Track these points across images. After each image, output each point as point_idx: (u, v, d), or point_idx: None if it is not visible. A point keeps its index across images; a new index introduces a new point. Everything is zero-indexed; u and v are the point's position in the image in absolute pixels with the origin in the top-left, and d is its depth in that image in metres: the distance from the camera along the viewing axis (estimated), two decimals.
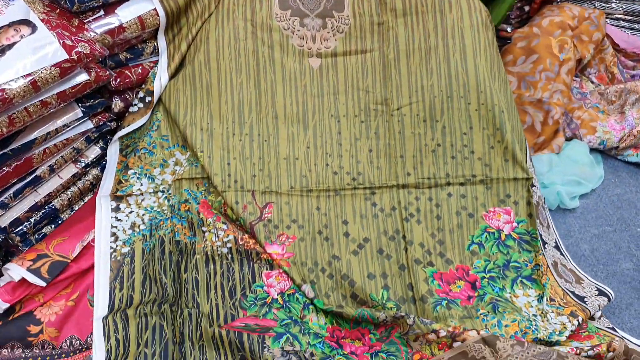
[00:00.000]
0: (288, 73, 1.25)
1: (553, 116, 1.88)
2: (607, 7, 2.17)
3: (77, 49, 1.05)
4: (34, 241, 1.15)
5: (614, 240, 1.46)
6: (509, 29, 2.23)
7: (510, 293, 1.05)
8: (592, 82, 2.15)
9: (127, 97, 1.28)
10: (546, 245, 1.14)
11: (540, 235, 1.13)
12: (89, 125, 1.19)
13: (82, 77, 1.10)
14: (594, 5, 2.20)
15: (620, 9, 2.16)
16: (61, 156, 1.17)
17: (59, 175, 1.19)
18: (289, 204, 1.16)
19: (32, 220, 1.14)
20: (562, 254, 1.24)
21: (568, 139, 1.91)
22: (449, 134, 1.20)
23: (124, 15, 1.18)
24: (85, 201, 1.24)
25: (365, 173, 1.20)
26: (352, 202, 1.17)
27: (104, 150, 1.26)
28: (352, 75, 1.26)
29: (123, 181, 1.20)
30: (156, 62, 1.29)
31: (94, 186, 1.26)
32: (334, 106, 1.25)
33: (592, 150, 1.85)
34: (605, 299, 1.12)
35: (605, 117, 1.97)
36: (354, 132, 1.23)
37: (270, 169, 1.19)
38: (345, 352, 0.96)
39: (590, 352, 0.91)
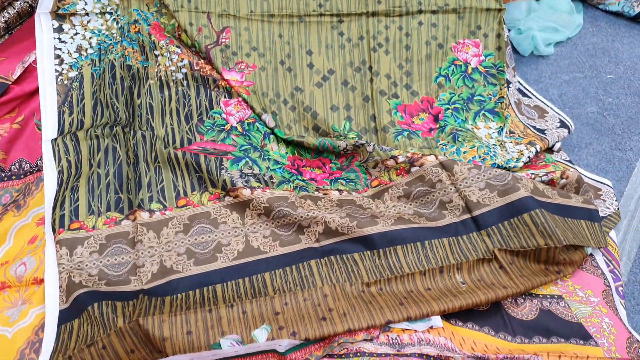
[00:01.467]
0: None
1: None
2: None
3: None
4: None
5: (582, 86, 1.41)
6: None
7: (472, 125, 1.02)
8: None
9: None
10: (510, 85, 1.09)
11: (506, 74, 1.07)
12: None
13: None
14: None
15: None
16: None
17: None
18: (249, 30, 1.05)
19: None
20: (525, 94, 1.19)
21: None
22: None
23: None
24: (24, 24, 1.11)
25: None
26: (317, 30, 1.07)
27: None
28: None
29: None
30: None
31: (32, 9, 1.11)
32: None
33: None
34: (566, 130, 1.10)
35: None
36: None
37: None
38: (305, 179, 0.94)
39: (545, 178, 0.90)
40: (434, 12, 1.08)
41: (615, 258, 0.87)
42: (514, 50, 1.53)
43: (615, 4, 1.76)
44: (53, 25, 1.04)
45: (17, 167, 0.94)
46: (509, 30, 1.59)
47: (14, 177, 0.92)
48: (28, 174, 0.92)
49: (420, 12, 1.08)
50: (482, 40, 1.07)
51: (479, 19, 1.08)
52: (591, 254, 0.85)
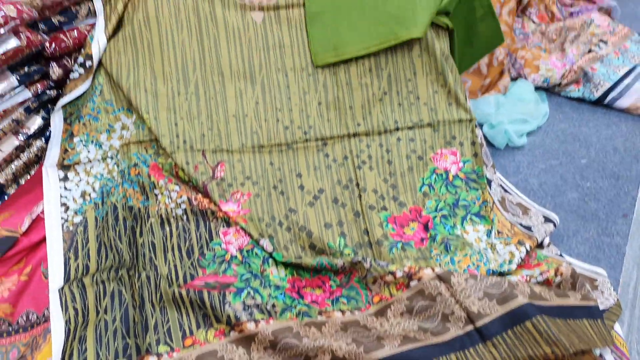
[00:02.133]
0: (231, 28, 1.18)
1: (497, 57, 1.86)
2: None
3: (1, 12, 0.95)
4: None
5: (560, 173, 1.48)
6: None
7: (460, 229, 1.05)
8: (534, 22, 2.14)
9: (66, 63, 1.18)
10: (491, 183, 1.14)
11: (486, 174, 1.12)
12: (27, 94, 1.10)
13: (13, 43, 1.00)
14: None
15: None
16: (0, 129, 1.09)
17: None
18: (242, 162, 1.11)
19: None
20: (506, 190, 1.24)
21: (513, 79, 1.90)
22: (395, 81, 1.17)
23: None
24: (32, 174, 1.16)
25: (316, 126, 1.16)
26: (304, 154, 1.14)
27: (46, 120, 1.17)
28: (296, 28, 1.20)
29: (69, 149, 1.13)
30: (93, 25, 1.20)
31: (39, 158, 1.18)
32: (280, 60, 1.19)
33: (537, 88, 1.86)
34: (552, 225, 1.14)
35: (547, 56, 1.97)
36: (302, 86, 1.18)
37: (220, 128, 1.13)
38: (307, 302, 0.95)
39: (540, 278, 0.92)
40: (410, 128, 1.15)
41: (624, 354, 0.87)
42: (490, 144, 1.61)
43: (576, 90, 1.89)
44: (59, 175, 1.09)
45: (24, 319, 0.94)
46: (482, 125, 1.69)
47: (21, 330, 0.93)
48: (35, 325, 0.93)
49: (397, 129, 1.15)
50: (458, 148, 1.14)
51: (453, 130, 1.15)
52: (600, 355, 0.85)
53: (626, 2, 2.38)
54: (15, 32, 1.01)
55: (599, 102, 1.79)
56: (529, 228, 1.09)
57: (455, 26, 1.23)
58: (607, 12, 2.12)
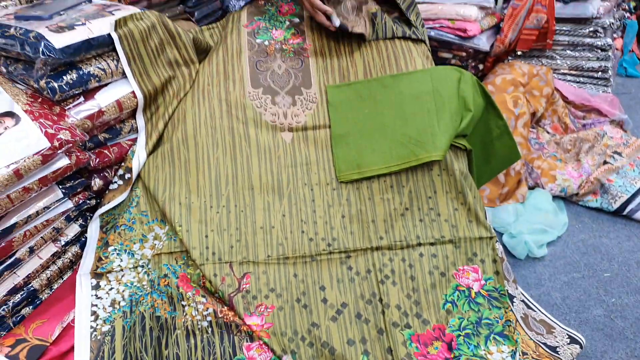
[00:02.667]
0: (263, 147, 1.27)
1: (514, 167, 1.92)
2: (553, 63, 2.28)
3: (58, 136, 1.05)
4: (11, 324, 1.10)
5: (583, 287, 1.46)
6: None
7: (484, 350, 1.04)
8: (548, 133, 2.22)
9: (106, 175, 1.27)
10: (514, 299, 1.14)
11: (507, 290, 1.13)
12: (69, 205, 1.18)
13: (63, 162, 1.09)
14: (541, 62, 2.31)
15: (565, 64, 2.27)
16: (41, 237, 1.15)
17: (38, 256, 1.16)
18: (267, 273, 1.14)
19: (10, 303, 1.10)
20: (529, 306, 1.23)
21: (531, 188, 1.95)
22: (415, 198, 1.22)
23: (103, 99, 1.20)
24: (65, 279, 1.21)
25: (340, 238, 1.20)
26: (328, 267, 1.16)
27: (83, 227, 1.23)
28: (322, 147, 1.28)
29: (103, 258, 1.18)
30: (134, 140, 1.30)
31: (73, 263, 1.23)
32: (307, 176, 1.26)
33: (555, 197, 1.90)
34: (578, 346, 1.12)
35: (563, 165, 2.02)
36: (326, 200, 1.23)
37: (247, 239, 1.18)
38: None
39: None
40: (432, 244, 1.18)
41: None
42: (510, 254, 1.62)
43: (594, 200, 1.92)
44: (92, 283, 1.13)
45: None
46: (502, 235, 1.70)
47: None
48: None
49: (419, 244, 1.18)
50: (479, 265, 1.16)
51: (474, 247, 1.18)
52: None
53: (637, 113, 2.47)
54: (67, 152, 1.10)
55: (618, 213, 1.81)
56: (554, 349, 1.07)
57: (472, 145, 1.29)
58: (619, 124, 2.20)
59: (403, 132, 1.21)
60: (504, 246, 1.63)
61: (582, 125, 2.22)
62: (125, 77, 1.24)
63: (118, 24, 1.20)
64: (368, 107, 1.29)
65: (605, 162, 2.00)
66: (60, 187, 1.15)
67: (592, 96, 2.20)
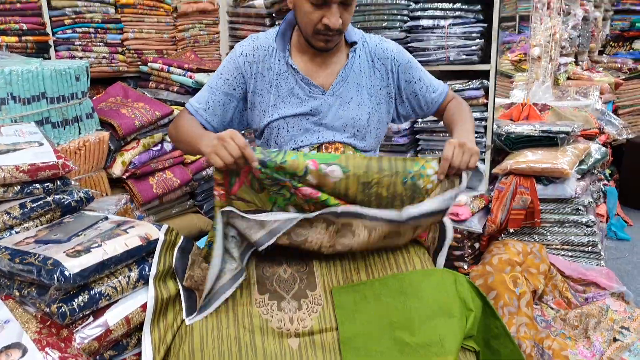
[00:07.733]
0: (269, 355, 1.23)
1: (525, 350, 1.85)
2: (545, 239, 2.35)
3: None
4: None
5: None
6: (465, 266, 2.35)
7: None
8: (552, 309, 2.19)
9: None
10: None
11: None
12: None
13: None
14: (534, 238, 2.37)
15: (556, 240, 2.33)
16: None
17: None
18: None
19: None
20: None
21: None
22: None
23: (112, 317, 1.19)
24: None
25: None
26: None
27: None
28: (330, 352, 1.25)
29: None
30: (138, 355, 1.26)
31: None
32: None
33: None
34: None
35: (574, 344, 1.95)
36: None
37: None
38: None
39: None
40: None
41: None
42: None
43: None
44: None
45: None
46: None
47: None
48: None
49: None
50: None
51: None
52: None
53: (635, 279, 2.47)
54: None
55: None
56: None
57: (477, 344, 1.26)
58: (620, 296, 2.19)
59: (412, 340, 1.19)
60: None
61: (584, 299, 2.21)
62: (135, 291, 1.25)
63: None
64: (374, 309, 1.29)
65: (615, 339, 1.94)
66: None
67: (587, 270, 2.22)
